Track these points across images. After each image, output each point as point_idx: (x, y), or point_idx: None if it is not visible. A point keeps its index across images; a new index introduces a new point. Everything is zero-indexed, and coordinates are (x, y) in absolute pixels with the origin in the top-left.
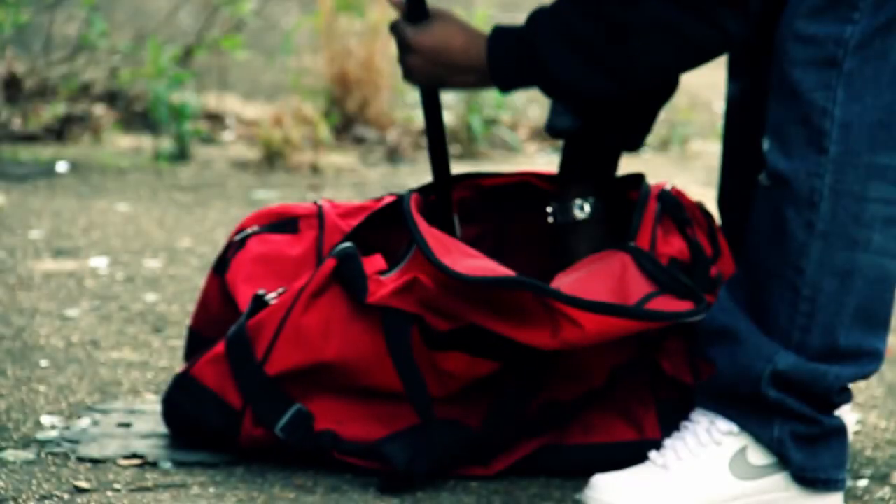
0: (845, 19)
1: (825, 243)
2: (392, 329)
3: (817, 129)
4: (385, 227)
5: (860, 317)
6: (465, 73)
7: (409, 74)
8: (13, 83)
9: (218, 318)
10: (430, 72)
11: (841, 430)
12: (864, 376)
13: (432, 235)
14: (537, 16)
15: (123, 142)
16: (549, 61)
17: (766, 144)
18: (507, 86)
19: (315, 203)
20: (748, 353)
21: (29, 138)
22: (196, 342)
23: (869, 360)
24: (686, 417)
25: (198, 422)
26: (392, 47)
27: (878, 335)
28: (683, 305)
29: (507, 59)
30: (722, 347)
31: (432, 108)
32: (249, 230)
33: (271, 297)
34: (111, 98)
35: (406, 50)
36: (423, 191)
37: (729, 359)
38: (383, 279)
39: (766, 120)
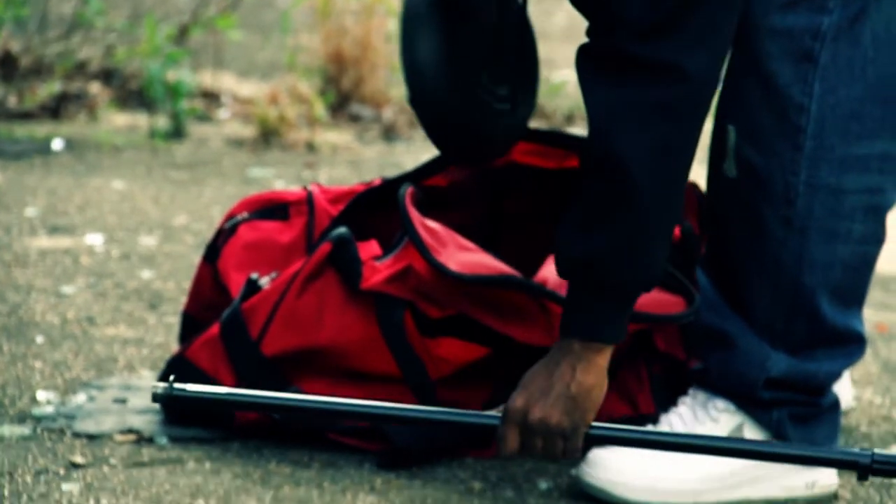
0: (820, 10)
1: (803, 238)
2: (385, 314)
3: (793, 126)
4: (379, 210)
5: (842, 299)
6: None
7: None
8: (9, 61)
9: (211, 303)
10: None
11: (835, 404)
12: (853, 363)
13: (427, 229)
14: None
15: (119, 120)
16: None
17: (732, 134)
18: (614, 331)
19: (305, 188)
20: (740, 360)
21: (24, 116)
22: (190, 326)
23: (856, 347)
24: (681, 392)
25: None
26: (387, 24)
27: (858, 316)
28: (674, 302)
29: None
30: (713, 352)
31: None
32: (239, 217)
33: (264, 281)
34: (107, 76)
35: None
36: (418, 174)
37: (721, 365)
38: (378, 265)
39: (732, 107)
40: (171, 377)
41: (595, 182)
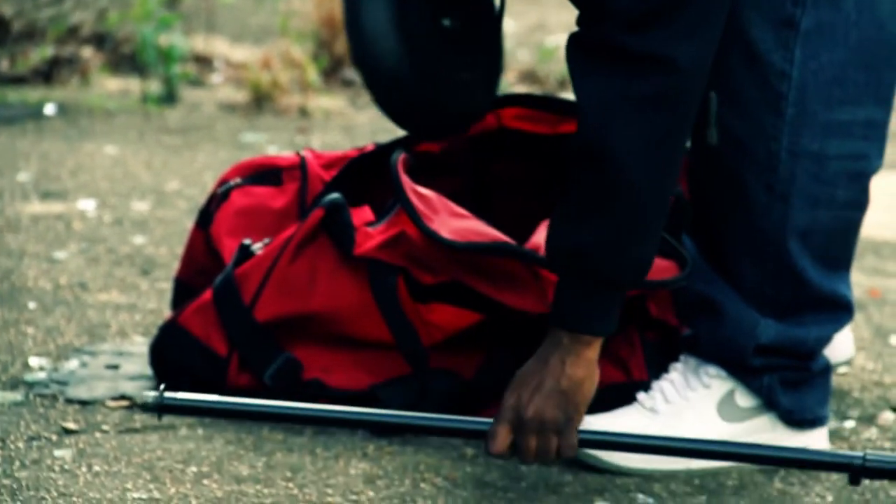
0: None
1: (786, 204)
2: (378, 281)
3: (775, 92)
4: (372, 176)
5: (827, 264)
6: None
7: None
8: (1, 25)
9: (203, 269)
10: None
11: (826, 369)
12: (841, 328)
13: (418, 196)
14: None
15: (111, 84)
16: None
17: (714, 101)
18: (604, 323)
19: (297, 154)
20: (729, 327)
21: (17, 81)
22: (183, 292)
23: (844, 312)
24: (674, 359)
25: (184, 370)
26: None
27: (844, 280)
28: (666, 266)
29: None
30: (703, 320)
31: None
32: (232, 182)
33: (257, 247)
34: (99, 40)
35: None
36: (410, 140)
37: (711, 333)
38: (371, 231)
39: (714, 74)
40: (162, 386)
41: (586, 173)
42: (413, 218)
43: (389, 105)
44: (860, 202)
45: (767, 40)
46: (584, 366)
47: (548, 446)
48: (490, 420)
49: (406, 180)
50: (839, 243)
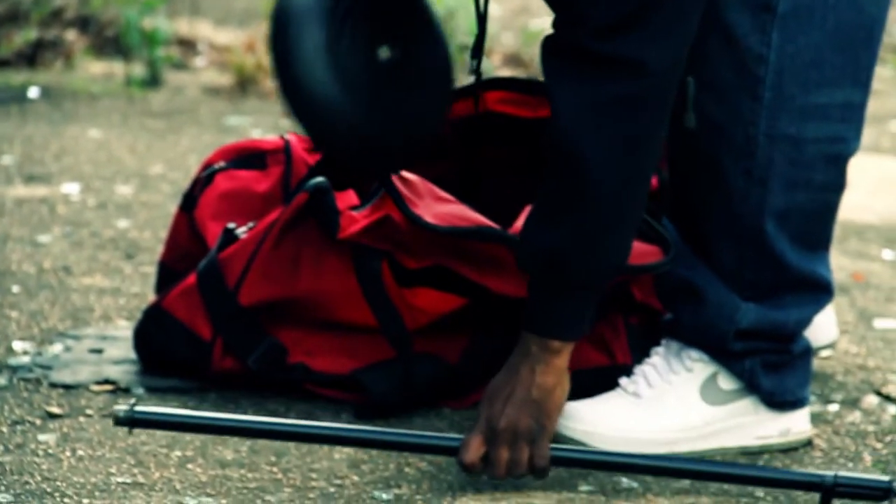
0: None
1: (764, 188)
2: (362, 265)
3: (752, 76)
4: None
5: (805, 245)
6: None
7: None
8: None
9: (187, 253)
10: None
11: (806, 351)
12: (821, 309)
13: (403, 181)
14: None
15: (95, 67)
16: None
17: (691, 85)
18: (576, 325)
19: (282, 137)
20: (710, 313)
21: (0, 64)
22: (167, 276)
23: (823, 293)
24: (656, 343)
25: (168, 354)
26: None
27: (823, 261)
28: (650, 251)
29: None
30: (684, 305)
31: None
32: (216, 166)
33: (241, 231)
34: (83, 23)
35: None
36: None
37: (692, 317)
38: (355, 215)
39: (691, 58)
40: (133, 400)
41: (558, 176)
42: (397, 202)
43: (327, 144)
44: (838, 184)
45: (745, 24)
46: (554, 374)
47: (520, 457)
48: (459, 436)
49: None
50: (817, 225)
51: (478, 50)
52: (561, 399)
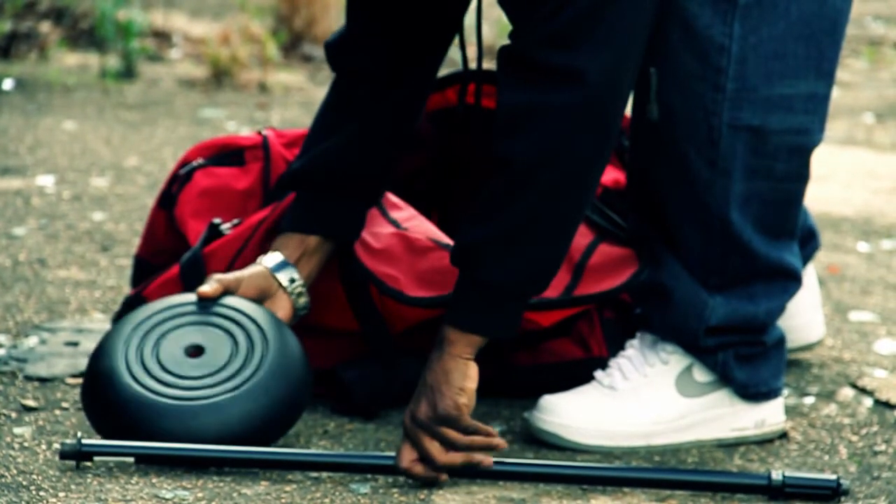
0: None
1: (728, 178)
2: (348, 271)
3: (714, 68)
4: None
5: (771, 233)
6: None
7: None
8: None
9: (164, 249)
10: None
11: (780, 341)
12: (790, 298)
13: (373, 252)
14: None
15: (70, 59)
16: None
17: (654, 77)
18: (501, 329)
19: (259, 133)
20: (679, 312)
21: None
22: (143, 270)
23: (792, 282)
24: (631, 335)
25: None
26: None
27: (790, 250)
28: (624, 255)
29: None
30: (652, 305)
31: None
32: (195, 163)
33: (226, 227)
34: (57, 15)
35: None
36: None
37: (661, 317)
38: None
39: (653, 50)
40: (79, 434)
41: (493, 177)
42: (380, 288)
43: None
44: (801, 175)
45: (705, 15)
46: (452, 359)
47: (450, 440)
48: (392, 454)
49: (363, 253)
50: (780, 214)
51: (477, 42)
52: (462, 379)
